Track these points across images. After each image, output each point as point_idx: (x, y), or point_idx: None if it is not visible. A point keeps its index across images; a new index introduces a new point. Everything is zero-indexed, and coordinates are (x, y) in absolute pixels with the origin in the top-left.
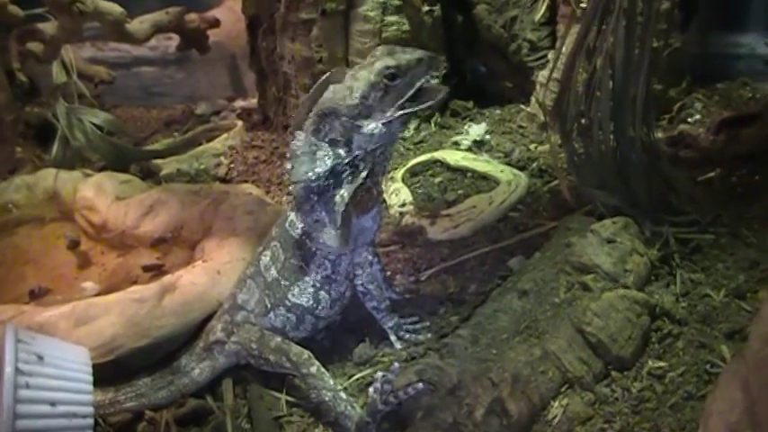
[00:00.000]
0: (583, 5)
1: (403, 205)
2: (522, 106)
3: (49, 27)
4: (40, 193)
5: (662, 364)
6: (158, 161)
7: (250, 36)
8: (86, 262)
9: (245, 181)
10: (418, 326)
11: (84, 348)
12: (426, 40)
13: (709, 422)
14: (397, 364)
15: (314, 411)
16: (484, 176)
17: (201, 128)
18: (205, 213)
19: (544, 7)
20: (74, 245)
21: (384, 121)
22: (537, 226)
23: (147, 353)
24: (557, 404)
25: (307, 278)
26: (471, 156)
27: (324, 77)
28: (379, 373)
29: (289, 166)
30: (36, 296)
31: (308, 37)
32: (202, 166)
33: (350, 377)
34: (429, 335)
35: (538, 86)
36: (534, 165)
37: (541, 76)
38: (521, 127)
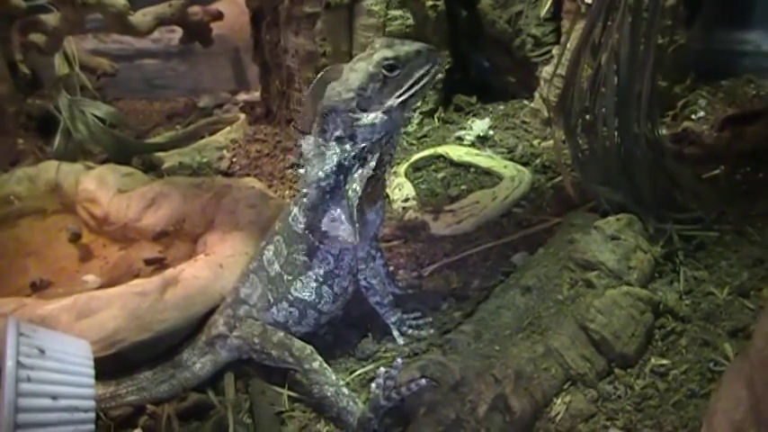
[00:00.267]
0: (588, 1)
1: (406, 200)
2: (526, 102)
3: (51, 18)
4: (41, 186)
5: (665, 361)
6: (160, 154)
7: (254, 29)
8: (88, 255)
9: (248, 174)
10: (421, 321)
11: (86, 342)
12: (430, 35)
13: (714, 420)
14: (399, 360)
15: (316, 407)
16: (487, 172)
17: (204, 121)
18: (207, 207)
19: (549, 3)
20: (75, 237)
21: (383, 110)
22: (540, 222)
23: (149, 346)
24: (559, 401)
25: (310, 273)
26: (474, 151)
27: (319, 76)
28: (382, 369)
29: (302, 171)
30: (37, 289)
31: (312, 30)
32: (205, 160)
33: (352, 372)
34: (432, 330)
35: (542, 82)
36: (538, 160)
37: (545, 71)
38: (524, 122)
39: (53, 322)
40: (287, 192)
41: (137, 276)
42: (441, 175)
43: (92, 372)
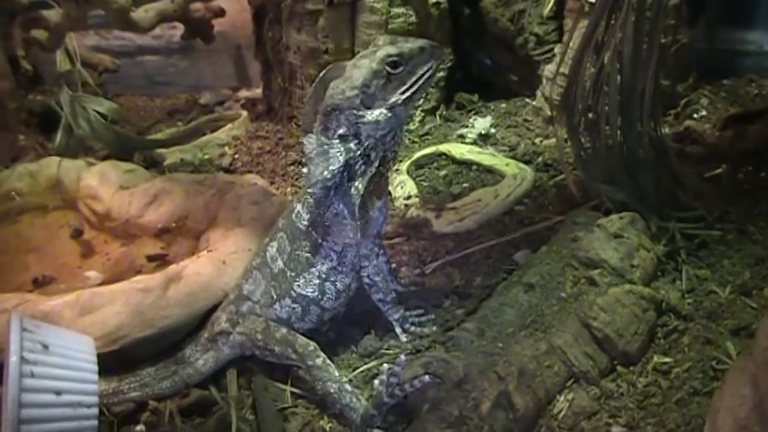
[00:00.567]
0: (591, 0)
1: (408, 198)
2: (528, 100)
3: (53, 15)
4: (43, 182)
5: (667, 359)
6: (162, 150)
7: (256, 26)
8: (90, 251)
9: (250, 171)
10: (424, 318)
11: (89, 337)
12: (433, 33)
13: (717, 418)
14: (403, 357)
15: (319, 403)
16: (489, 170)
17: (205, 118)
18: (210, 203)
19: (551, 1)
20: (77, 234)
21: (387, 107)
22: (543, 220)
23: (152, 343)
24: (562, 398)
25: (313, 269)
26: (477, 149)
27: (322, 74)
28: (386, 366)
29: (305, 170)
30: (39, 285)
31: (315, 27)
32: (206, 156)
33: (355, 369)
34: (434, 328)
35: (544, 80)
36: (540, 159)
37: (548, 70)
38: (526, 121)
39: (56, 318)
40: (289, 189)
41: (139, 273)
42: (443, 172)
43: (95, 367)
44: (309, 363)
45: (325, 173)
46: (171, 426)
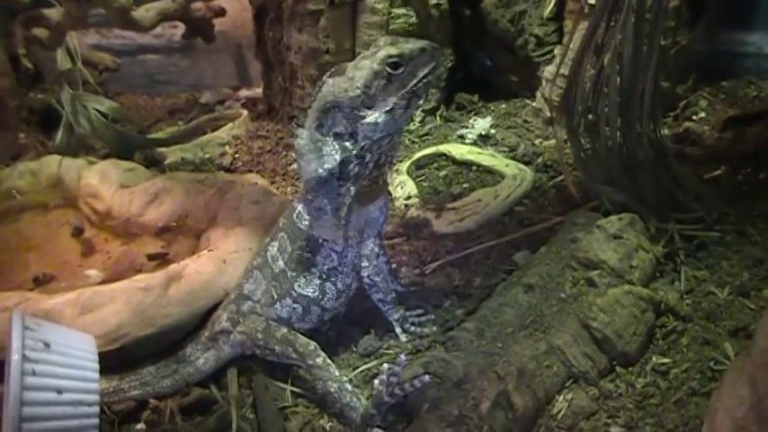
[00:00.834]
0: (591, 2)
1: (408, 198)
2: (528, 101)
3: (54, 13)
4: (43, 180)
5: (666, 360)
6: (162, 149)
7: (257, 25)
8: (90, 249)
9: (250, 171)
10: (423, 318)
11: (90, 336)
12: (433, 33)
13: (716, 418)
14: (403, 357)
15: (319, 402)
16: (489, 170)
17: (206, 117)
18: (210, 202)
19: (552, 3)
20: (78, 232)
21: (387, 108)
22: (542, 221)
23: (153, 341)
24: (561, 398)
25: (313, 269)
26: (476, 149)
27: (326, 76)
28: (386, 365)
29: (296, 165)
30: (40, 283)
31: (316, 28)
32: (207, 156)
33: (355, 369)
34: (434, 328)
35: (544, 81)
36: (539, 160)
37: (547, 71)
38: (526, 122)
39: (57, 316)
40: (289, 188)
41: (139, 271)
42: (443, 173)
43: (96, 366)
44: (310, 362)
45: (320, 170)
46: (171, 424)
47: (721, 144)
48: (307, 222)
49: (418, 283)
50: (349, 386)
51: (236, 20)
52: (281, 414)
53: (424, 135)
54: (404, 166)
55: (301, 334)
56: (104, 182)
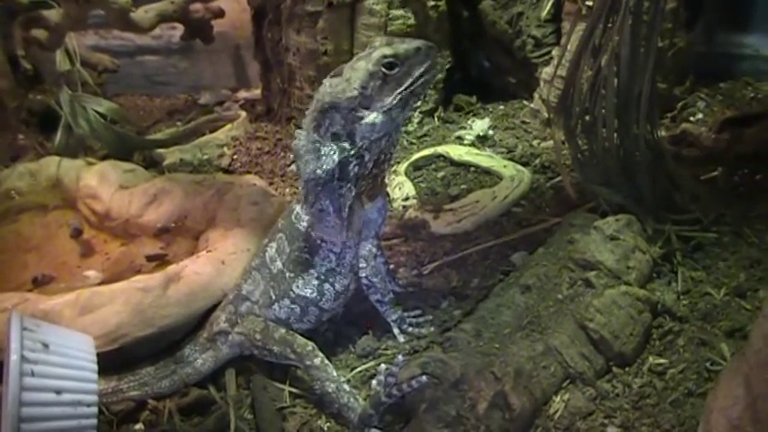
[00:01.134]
0: (589, 3)
1: (406, 199)
2: (526, 102)
3: (53, 14)
4: (42, 181)
5: (663, 360)
6: (161, 150)
7: (255, 27)
8: (89, 250)
9: (249, 172)
10: (421, 319)
11: (89, 336)
12: (432, 35)
13: (711, 418)
14: (401, 357)
15: (317, 403)
16: (487, 171)
17: (205, 118)
18: (209, 204)
19: (549, 4)
20: (77, 233)
21: (384, 109)
22: (540, 222)
23: (151, 342)
24: (558, 399)
25: (312, 270)
26: (474, 151)
27: (328, 78)
28: (383, 366)
29: (294, 167)
30: (39, 284)
31: (314, 29)
32: (205, 157)
33: (353, 369)
34: (432, 328)
35: (541, 83)
36: (537, 161)
37: (545, 72)
38: (524, 123)
39: (56, 317)
40: (287, 189)
41: (138, 272)
42: (441, 174)
43: (95, 366)
44: (308, 363)
45: (318, 171)
46: (170, 425)
47: (718, 145)
48: (305, 223)
49: (416, 283)
50: (347, 386)
51: (235, 21)
52: (280, 414)
53: (422, 136)
54: (402, 168)
55: (299, 334)
56: (103, 183)
